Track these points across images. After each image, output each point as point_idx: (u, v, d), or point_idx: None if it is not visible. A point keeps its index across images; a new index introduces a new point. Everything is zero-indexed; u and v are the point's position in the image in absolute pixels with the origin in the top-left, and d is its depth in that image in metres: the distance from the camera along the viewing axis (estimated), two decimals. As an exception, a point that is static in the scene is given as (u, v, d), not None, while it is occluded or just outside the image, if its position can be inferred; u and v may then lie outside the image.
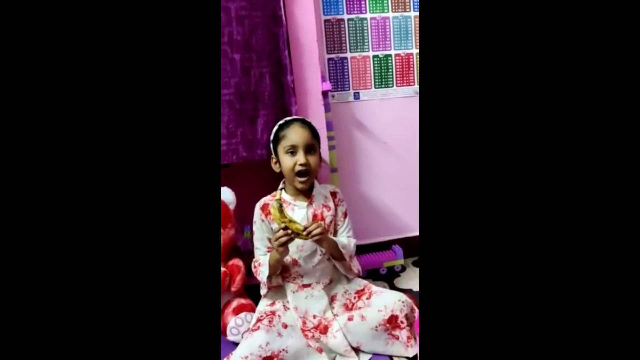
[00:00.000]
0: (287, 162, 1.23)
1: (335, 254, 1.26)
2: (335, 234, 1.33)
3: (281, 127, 1.27)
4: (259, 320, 1.19)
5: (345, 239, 1.31)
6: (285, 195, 1.30)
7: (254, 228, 1.32)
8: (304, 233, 1.14)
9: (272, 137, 1.29)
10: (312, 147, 1.24)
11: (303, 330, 1.20)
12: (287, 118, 1.32)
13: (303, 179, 1.24)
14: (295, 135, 1.23)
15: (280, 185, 1.32)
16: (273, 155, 1.29)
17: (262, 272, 1.24)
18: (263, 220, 1.29)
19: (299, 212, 1.27)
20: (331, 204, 1.32)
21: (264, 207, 1.30)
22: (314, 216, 1.28)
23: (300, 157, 1.21)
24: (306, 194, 1.30)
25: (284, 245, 1.15)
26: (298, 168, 1.22)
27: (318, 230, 1.14)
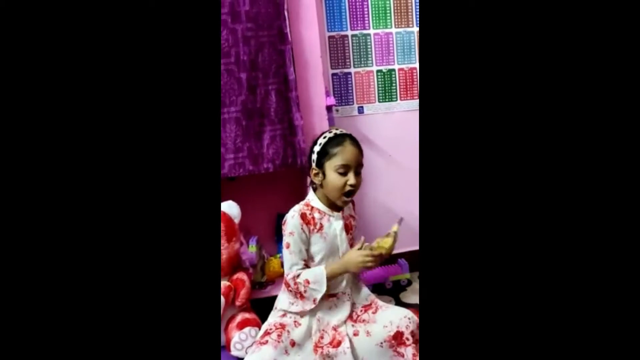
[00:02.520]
0: (337, 181, 1.20)
1: None
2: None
3: (332, 143, 1.23)
4: (267, 333, 1.16)
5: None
6: (320, 206, 1.27)
7: (289, 240, 1.22)
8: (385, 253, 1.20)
9: (318, 149, 1.24)
10: (360, 167, 1.25)
11: (316, 345, 1.18)
12: (336, 131, 1.27)
13: (349, 199, 1.24)
14: (349, 155, 1.21)
15: (310, 197, 1.30)
16: (315, 167, 1.25)
17: (314, 291, 1.19)
18: (303, 230, 1.23)
19: (336, 223, 1.26)
20: (354, 214, 1.36)
21: (303, 216, 1.24)
22: (346, 226, 1.29)
23: (352, 178, 1.20)
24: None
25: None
26: (348, 188, 1.21)
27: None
